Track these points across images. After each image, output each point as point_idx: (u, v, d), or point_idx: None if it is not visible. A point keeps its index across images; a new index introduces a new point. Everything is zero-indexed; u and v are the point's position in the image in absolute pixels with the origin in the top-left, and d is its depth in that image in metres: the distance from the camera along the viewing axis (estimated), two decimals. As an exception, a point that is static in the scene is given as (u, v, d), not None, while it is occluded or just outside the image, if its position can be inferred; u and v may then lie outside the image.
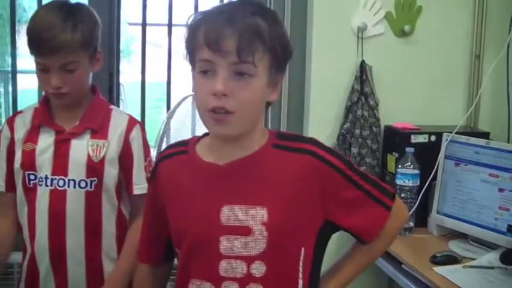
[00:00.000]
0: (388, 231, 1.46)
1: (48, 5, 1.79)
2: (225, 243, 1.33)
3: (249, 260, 1.33)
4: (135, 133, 1.85)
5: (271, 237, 1.32)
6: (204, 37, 1.27)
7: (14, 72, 2.78)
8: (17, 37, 2.76)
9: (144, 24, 2.80)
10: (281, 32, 1.35)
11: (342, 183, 1.39)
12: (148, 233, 1.55)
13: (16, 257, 1.94)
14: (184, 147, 1.46)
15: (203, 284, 1.36)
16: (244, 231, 1.33)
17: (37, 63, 1.73)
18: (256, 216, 1.33)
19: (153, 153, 2.00)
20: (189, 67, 1.38)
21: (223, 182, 1.36)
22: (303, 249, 1.38)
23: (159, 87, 2.84)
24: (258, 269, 1.33)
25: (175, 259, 1.49)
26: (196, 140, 1.46)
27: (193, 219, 1.37)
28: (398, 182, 2.40)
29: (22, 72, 2.83)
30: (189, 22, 1.34)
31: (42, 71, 1.72)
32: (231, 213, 1.34)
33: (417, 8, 2.68)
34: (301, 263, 1.37)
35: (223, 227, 1.33)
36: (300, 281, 1.38)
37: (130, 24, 2.70)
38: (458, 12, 2.73)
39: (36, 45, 1.70)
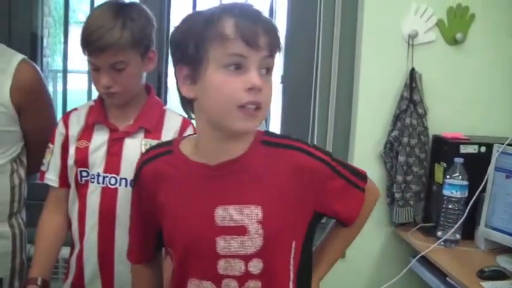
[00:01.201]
0: (363, 211, 1.52)
1: (101, 5, 1.80)
2: (221, 244, 1.34)
3: (246, 258, 1.35)
4: (188, 134, 1.81)
5: (267, 235, 1.34)
6: (237, 31, 1.25)
7: (65, 71, 2.82)
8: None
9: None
10: None
11: (329, 174, 1.42)
12: (137, 235, 1.55)
13: (62, 251, 1.96)
14: (168, 147, 1.46)
15: (203, 283, 1.37)
16: (240, 230, 1.34)
17: (89, 63, 1.74)
18: (251, 215, 1.34)
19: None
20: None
21: (215, 182, 1.36)
22: (294, 242, 1.40)
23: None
24: (256, 266, 1.35)
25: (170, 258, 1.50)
26: (179, 140, 1.47)
27: (187, 222, 1.37)
28: (446, 192, 2.36)
29: (71, 72, 2.87)
30: (206, 14, 1.29)
31: (93, 70, 1.74)
32: (225, 214, 1.34)
33: (470, 15, 2.63)
34: (292, 255, 1.40)
35: (218, 228, 1.34)
36: (291, 273, 1.40)
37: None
38: (513, 20, 2.67)
39: (85, 44, 1.71)
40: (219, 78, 1.27)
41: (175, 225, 1.40)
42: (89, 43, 1.69)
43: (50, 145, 1.88)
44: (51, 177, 1.87)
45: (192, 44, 1.29)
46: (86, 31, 1.71)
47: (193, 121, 1.47)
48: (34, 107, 1.96)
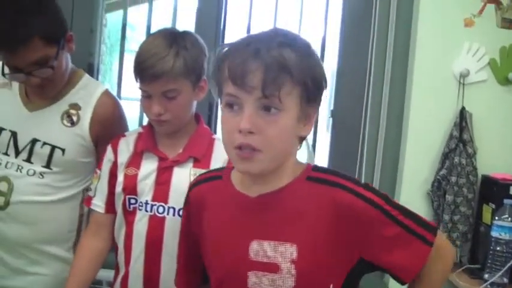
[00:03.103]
0: (432, 273, 1.35)
1: (155, 33, 1.82)
2: (253, 279, 1.31)
3: None
4: None
5: (299, 276, 1.28)
6: (228, 72, 1.24)
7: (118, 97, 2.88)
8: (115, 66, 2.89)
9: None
10: (312, 63, 1.28)
11: (379, 219, 1.29)
12: (184, 260, 1.54)
13: (105, 274, 1.96)
14: (219, 173, 1.45)
15: None
16: (272, 268, 1.29)
17: (140, 90, 1.75)
18: (285, 254, 1.28)
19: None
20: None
21: (254, 215, 1.33)
22: (331, 286, 1.31)
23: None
24: None
25: None
26: (232, 167, 1.41)
27: (223, 252, 1.36)
28: (494, 234, 2.32)
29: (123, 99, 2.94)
30: (216, 54, 1.30)
31: (145, 97, 1.75)
32: (259, 249, 1.30)
33: (523, 55, 2.61)
34: None
35: (251, 262, 1.31)
36: None
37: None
38: None
39: (138, 72, 1.73)
40: (222, 117, 1.30)
41: (212, 252, 1.39)
42: (142, 71, 1.71)
43: (97, 171, 1.89)
44: (98, 203, 1.87)
45: (215, 84, 1.33)
46: (139, 58, 1.73)
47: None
48: (111, 138, 1.94)
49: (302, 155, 1.44)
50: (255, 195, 1.34)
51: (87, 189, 2.00)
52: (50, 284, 2.01)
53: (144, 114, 1.85)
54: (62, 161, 1.95)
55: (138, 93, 1.78)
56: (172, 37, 1.74)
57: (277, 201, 1.32)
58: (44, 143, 1.94)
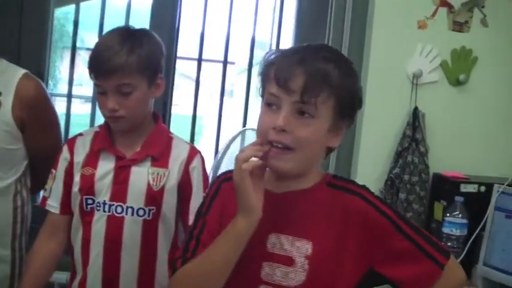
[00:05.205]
0: None
1: (112, 30, 1.80)
2: (266, 270, 1.35)
3: None
4: (196, 163, 1.82)
5: (311, 272, 1.33)
6: (274, 73, 1.32)
7: (69, 95, 2.82)
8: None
9: (200, 60, 2.86)
10: (351, 82, 1.37)
11: (391, 232, 1.36)
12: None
13: (57, 276, 1.93)
14: None
15: None
16: (287, 261, 1.34)
17: (95, 86, 1.74)
18: (301, 249, 1.34)
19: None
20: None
21: (274, 209, 1.36)
22: None
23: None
24: None
25: None
26: None
27: None
28: (445, 230, 2.37)
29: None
30: (266, 57, 1.39)
31: (100, 93, 1.73)
32: (277, 242, 1.36)
33: (473, 58, 2.69)
34: None
35: (267, 254, 1.36)
36: None
37: (179, 58, 2.76)
38: (515, 63, 2.71)
39: (93, 67, 1.72)
40: (260, 113, 1.37)
41: None
42: (96, 65, 1.70)
43: (53, 171, 1.84)
44: (53, 204, 1.82)
45: (261, 84, 1.40)
46: (92, 54, 1.72)
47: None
48: (38, 122, 1.93)
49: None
50: (280, 192, 1.39)
51: (20, 180, 1.96)
52: None
53: (96, 113, 1.82)
54: None
55: (88, 92, 1.75)
56: (127, 34, 1.75)
57: (300, 200, 1.39)
58: None
